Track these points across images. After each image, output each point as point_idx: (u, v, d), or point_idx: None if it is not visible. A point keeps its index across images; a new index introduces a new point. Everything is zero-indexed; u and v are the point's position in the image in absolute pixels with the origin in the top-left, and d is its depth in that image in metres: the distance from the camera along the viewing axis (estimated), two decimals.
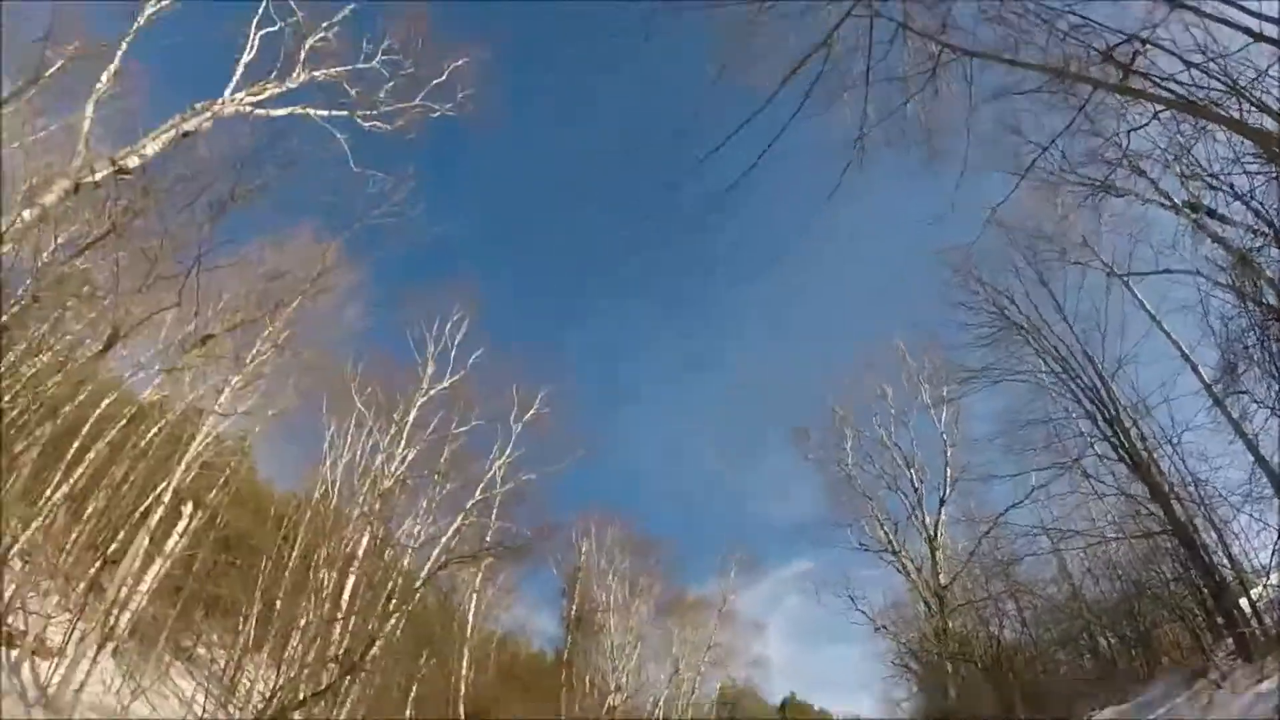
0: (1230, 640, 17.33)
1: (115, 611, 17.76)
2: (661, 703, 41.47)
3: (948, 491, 30.64)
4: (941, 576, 29.13)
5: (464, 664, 29.89)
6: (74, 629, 17.35)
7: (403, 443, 26.23)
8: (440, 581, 28.22)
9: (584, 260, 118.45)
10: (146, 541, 18.57)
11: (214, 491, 23.04)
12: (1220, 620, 18.44)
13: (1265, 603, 16.94)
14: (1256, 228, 14.00)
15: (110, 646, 17.76)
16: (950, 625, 28.54)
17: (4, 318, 16.07)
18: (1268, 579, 17.48)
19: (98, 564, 20.36)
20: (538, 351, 58.41)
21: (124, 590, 18.12)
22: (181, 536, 19.81)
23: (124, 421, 21.37)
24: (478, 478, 28.25)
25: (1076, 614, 27.80)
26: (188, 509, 19.60)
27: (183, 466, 19.61)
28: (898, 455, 32.43)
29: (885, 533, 31.74)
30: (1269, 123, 10.49)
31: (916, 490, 31.38)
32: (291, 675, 19.17)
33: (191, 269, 17.58)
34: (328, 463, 26.61)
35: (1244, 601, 17.19)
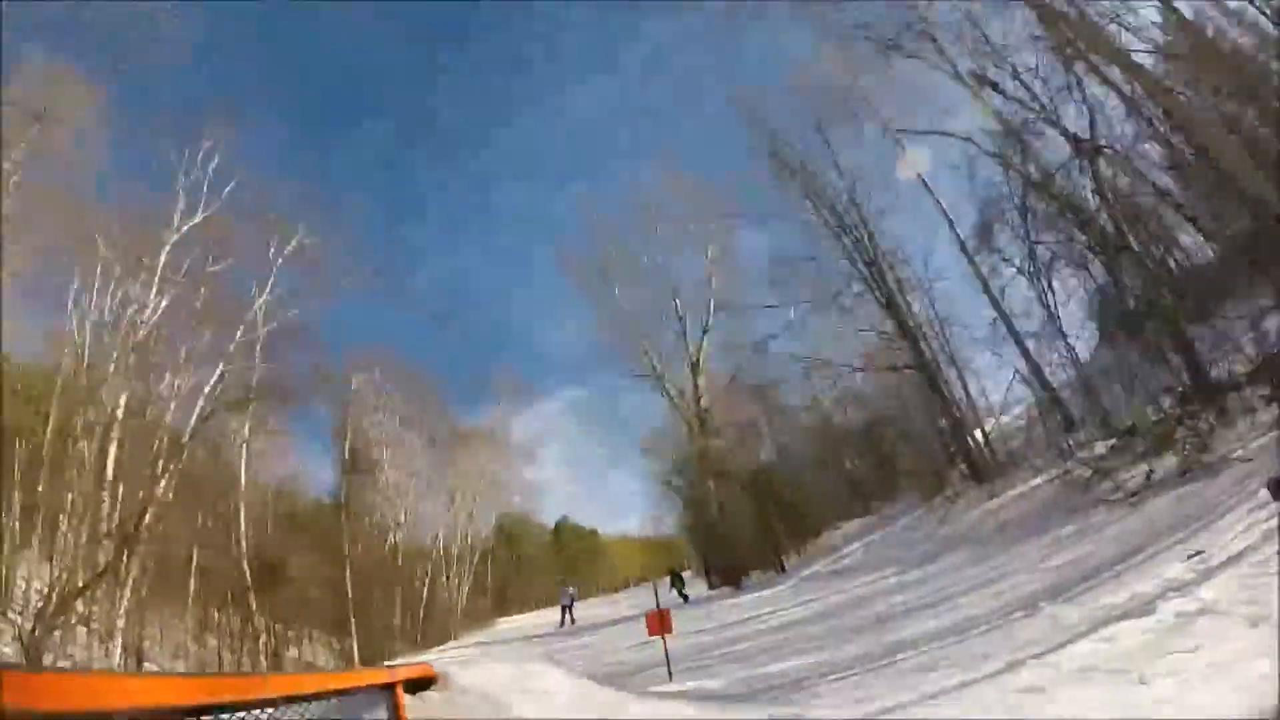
0: (964, 466, 19.27)
1: None
2: (441, 536, 42.13)
3: (710, 320, 32.03)
4: (703, 400, 31.02)
5: (242, 522, 28.65)
6: None
7: (154, 288, 23.74)
8: (209, 435, 26.12)
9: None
10: None
11: None
12: (955, 449, 20.57)
13: (995, 435, 19.05)
14: (1030, 106, 15.46)
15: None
16: (712, 446, 30.53)
17: None
18: (999, 415, 19.67)
19: None
20: (303, 180, 54.07)
21: None
22: None
23: None
24: (239, 319, 26.31)
25: (827, 439, 30.58)
26: None
27: None
28: (665, 285, 33.19)
29: (651, 359, 32.72)
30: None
31: (682, 319, 32.55)
32: (66, 563, 18.84)
33: None
34: (75, 322, 23.88)
35: (977, 433, 19.43)
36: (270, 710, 2.73)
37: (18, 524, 21.37)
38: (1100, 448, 12.21)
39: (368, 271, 40.94)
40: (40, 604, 17.59)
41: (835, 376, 27.95)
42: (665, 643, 8.02)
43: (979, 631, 5.45)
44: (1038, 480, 13.98)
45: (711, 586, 30.15)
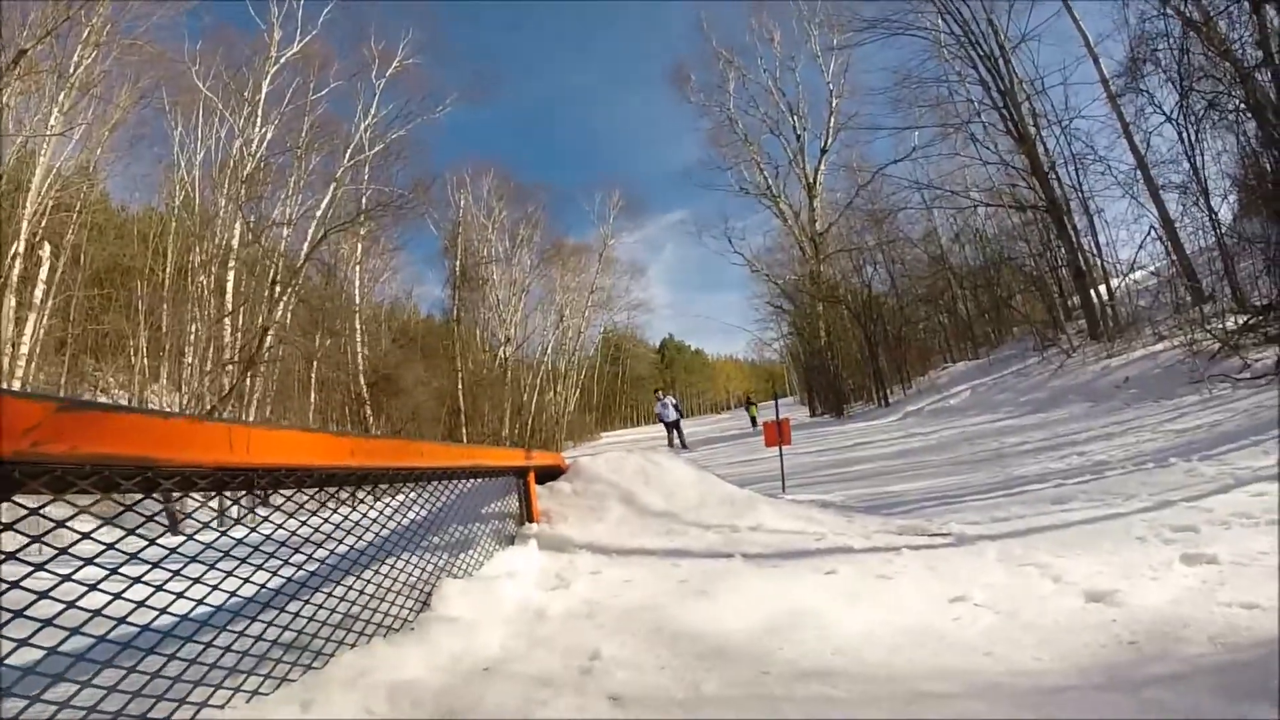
0: (1083, 320, 18.67)
1: (3, 383, 16.62)
2: (549, 350, 43.70)
3: (830, 140, 31.68)
4: (818, 224, 31.05)
5: (358, 339, 30.34)
6: None
7: (259, 121, 24.39)
8: (323, 258, 27.12)
9: None
10: (14, 302, 17.79)
11: (71, 230, 21.73)
12: (1076, 300, 19.83)
13: (1120, 291, 17.87)
14: None
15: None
16: (824, 271, 30.77)
17: None
18: (1129, 272, 18.20)
19: None
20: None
21: (5, 361, 17.42)
22: (47, 285, 19.19)
23: None
24: (346, 144, 27.13)
25: (941, 274, 29.70)
26: (45, 253, 18.79)
27: (28, 211, 18.16)
28: (782, 101, 32.66)
29: (765, 178, 33.09)
30: None
31: (799, 137, 32.29)
32: (194, 389, 20.10)
33: None
34: (182, 164, 24.83)
35: (1101, 288, 18.43)
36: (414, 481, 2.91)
37: (145, 360, 22.88)
38: (1231, 322, 11.50)
39: (472, 88, 41.16)
40: None
41: (956, 210, 27.45)
42: (782, 454, 8.12)
43: (1113, 475, 5.31)
44: (1160, 346, 13.28)
45: (813, 414, 30.46)
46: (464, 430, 31.90)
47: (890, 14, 23.23)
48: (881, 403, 25.55)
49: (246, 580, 1.86)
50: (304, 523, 2.19)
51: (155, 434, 1.40)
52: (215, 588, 1.75)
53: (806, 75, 33.12)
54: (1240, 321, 11.22)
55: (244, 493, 1.89)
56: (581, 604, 2.82)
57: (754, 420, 29.13)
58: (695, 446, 20.63)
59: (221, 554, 1.78)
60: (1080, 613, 2.29)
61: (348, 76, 27.49)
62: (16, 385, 17.07)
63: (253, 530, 1.99)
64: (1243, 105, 13.09)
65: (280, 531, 2.09)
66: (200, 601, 1.69)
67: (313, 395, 27.51)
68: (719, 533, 3.71)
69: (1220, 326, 11.39)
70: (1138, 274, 17.99)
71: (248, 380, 21.30)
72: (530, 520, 3.95)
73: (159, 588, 1.57)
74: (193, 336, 21.33)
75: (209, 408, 18.83)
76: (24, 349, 17.88)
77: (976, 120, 22.36)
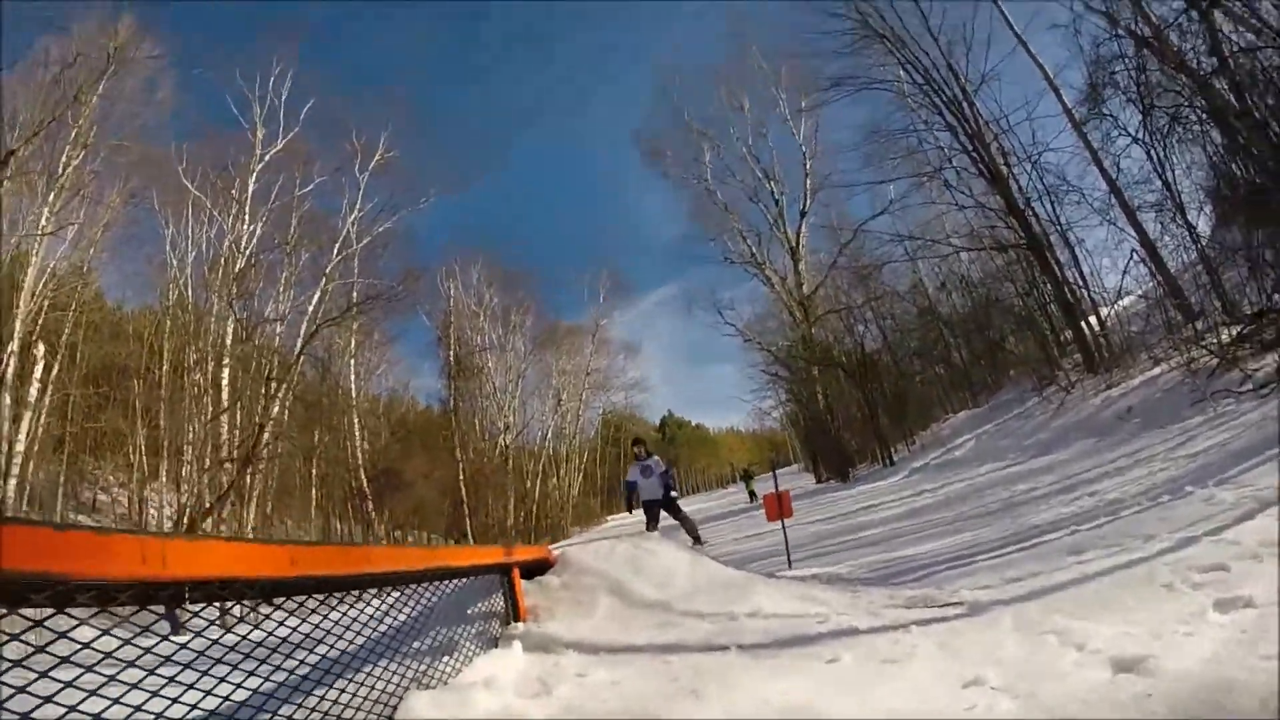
0: (1078, 354, 18.51)
1: (1, 484, 17.36)
2: (550, 435, 43.33)
3: (808, 202, 31.79)
4: (805, 286, 31.00)
5: (356, 433, 30.51)
6: None
7: (246, 219, 24.92)
8: (316, 353, 27.27)
9: None
10: (8, 400, 17.98)
11: (66, 329, 22.11)
12: (1068, 335, 19.83)
13: (1111, 319, 17.80)
14: None
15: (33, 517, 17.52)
16: (815, 333, 30.80)
17: None
18: (1116, 299, 18.11)
19: None
20: (380, 88, 54.89)
21: (1, 460, 17.60)
22: (42, 384, 19.28)
23: None
24: (334, 239, 27.53)
25: (932, 325, 29.96)
26: (39, 352, 19.00)
27: (22, 310, 18.50)
28: (757, 168, 32.96)
29: (749, 246, 32.99)
30: None
31: (778, 202, 32.48)
32: (192, 487, 20.11)
33: None
34: (174, 262, 25.40)
35: (1092, 318, 18.37)
36: (373, 591, 2.76)
37: (144, 458, 23.17)
38: (1225, 334, 11.35)
39: (452, 178, 41.99)
40: (171, 528, 18.61)
41: (940, 257, 27.52)
42: (785, 527, 7.89)
43: (1128, 513, 5.06)
44: (1157, 370, 13.13)
45: (819, 480, 30.09)
46: (468, 522, 31.60)
47: (853, 71, 23.70)
48: (886, 462, 25.14)
49: (208, 694, 1.81)
50: (269, 634, 2.14)
51: (51, 547, 1.33)
52: (175, 700, 1.69)
53: (779, 140, 33.04)
54: (1234, 333, 11.06)
55: (176, 606, 1.77)
56: (563, 711, 2.62)
57: (753, 494, 28.72)
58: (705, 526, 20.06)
59: (181, 666, 1.75)
60: (1109, 687, 2.06)
61: (331, 171, 28.18)
62: (13, 484, 17.58)
63: (214, 643, 1.98)
64: (1205, 114, 13.15)
65: (244, 643, 2.06)
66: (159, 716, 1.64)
67: (314, 491, 27.81)
68: (714, 622, 3.45)
69: (1214, 341, 11.29)
70: (1126, 300, 17.93)
71: (247, 478, 21.13)
72: (516, 619, 3.72)
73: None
74: (190, 434, 21.52)
75: (208, 506, 18.71)
76: (19, 446, 17.94)
77: (949, 166, 22.59)
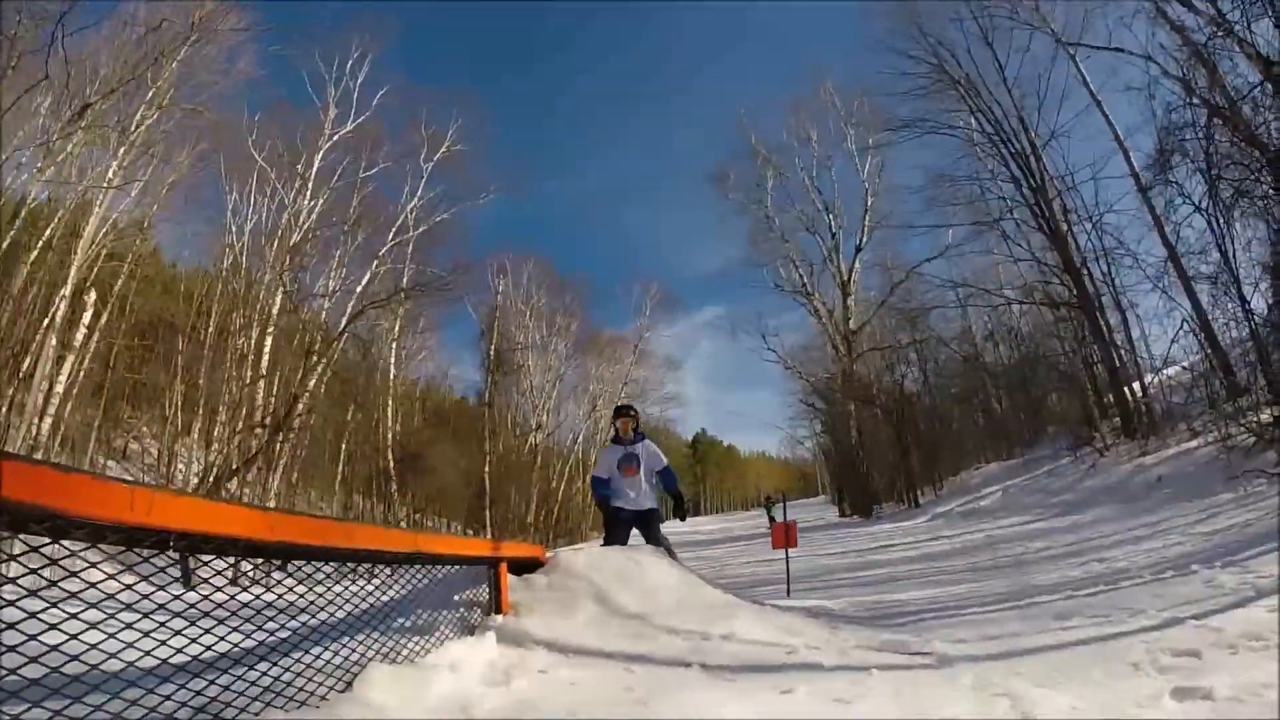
0: (1117, 418, 18.28)
1: (36, 421, 17.67)
2: (580, 438, 42.91)
3: (865, 239, 31.66)
4: (851, 322, 30.87)
5: (389, 414, 30.43)
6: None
7: (308, 194, 25.04)
8: (360, 332, 27.44)
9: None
10: (54, 342, 18.16)
11: (120, 280, 22.49)
12: (1110, 398, 19.47)
13: (1154, 388, 17.44)
14: (1218, 21, 13.67)
15: (37, 457, 17.66)
16: (856, 369, 30.52)
17: None
18: (1163, 367, 17.76)
19: (16, 381, 18.90)
20: (452, 86, 55.09)
21: (40, 398, 17.94)
22: (89, 330, 19.52)
23: (13, 228, 19.29)
24: (390, 223, 27.56)
25: (975, 373, 29.54)
26: (90, 299, 19.25)
27: (79, 257, 18.75)
28: (818, 199, 32.80)
29: (800, 275, 32.84)
30: None
31: (834, 235, 32.29)
32: (221, 447, 20.47)
33: (54, 34, 16.15)
34: (233, 228, 25.75)
35: (1136, 384, 18.04)
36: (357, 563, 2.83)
37: (179, 413, 23.43)
38: (1267, 415, 11.10)
39: (513, 181, 42.43)
40: (197, 484, 18.83)
41: (990, 308, 27.20)
42: (788, 557, 7.90)
43: (1128, 585, 5.00)
44: (1194, 443, 12.91)
45: (842, 514, 29.89)
46: (487, 513, 31.60)
47: (924, 114, 23.64)
48: (912, 504, 25.03)
49: (193, 641, 2.00)
50: (256, 597, 2.30)
51: (52, 484, 1.50)
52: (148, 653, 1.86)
53: (842, 174, 32.87)
54: (1276, 414, 10.82)
55: (157, 551, 1.91)
56: (514, 704, 2.67)
57: (772, 520, 28.57)
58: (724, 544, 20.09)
59: (171, 614, 1.94)
60: None
61: (397, 158, 28.15)
62: (48, 422, 17.85)
63: (210, 599, 2.10)
64: (1272, 190, 12.83)
65: (232, 603, 2.22)
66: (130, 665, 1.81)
67: (340, 467, 28.11)
68: (687, 639, 3.48)
69: (1255, 420, 11.01)
70: (1171, 369, 17.54)
71: (276, 445, 21.37)
72: (498, 611, 3.81)
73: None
74: (226, 396, 21.85)
75: (234, 468, 19.06)
76: (59, 388, 18.24)
77: (1009, 217, 22.29)
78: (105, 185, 19.16)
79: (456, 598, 3.82)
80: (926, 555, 10.67)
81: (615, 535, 6.75)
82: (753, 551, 15.47)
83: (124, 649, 1.79)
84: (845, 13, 61.25)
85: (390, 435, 30.27)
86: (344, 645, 2.67)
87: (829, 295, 32.54)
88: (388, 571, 3.29)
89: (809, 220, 32.92)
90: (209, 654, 2.04)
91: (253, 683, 2.19)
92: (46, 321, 18.45)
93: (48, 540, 1.61)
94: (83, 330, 19.05)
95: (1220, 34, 13.67)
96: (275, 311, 23.32)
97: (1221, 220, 14.24)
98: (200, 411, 23.48)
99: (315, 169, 25.37)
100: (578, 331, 41.80)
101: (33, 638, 1.57)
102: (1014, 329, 28.89)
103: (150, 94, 19.60)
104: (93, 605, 1.73)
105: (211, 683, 2.05)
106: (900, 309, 29.02)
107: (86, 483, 1.59)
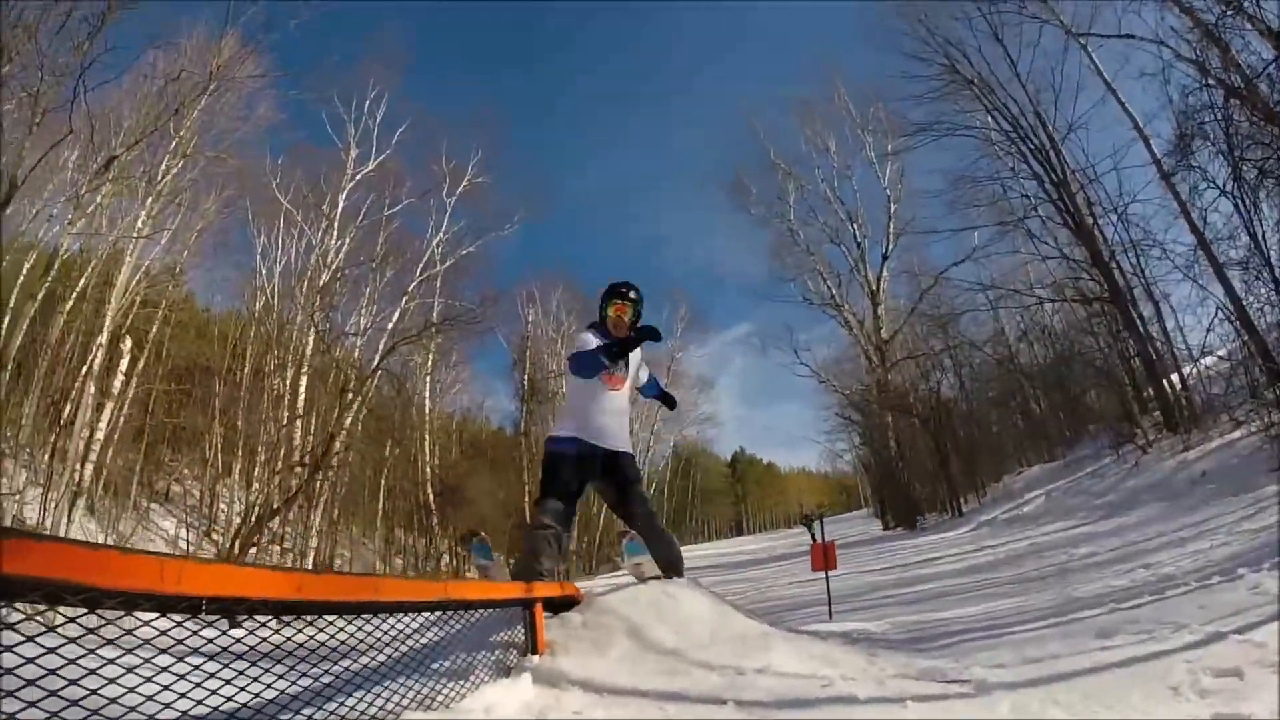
0: (1158, 412, 18.06)
1: (79, 468, 18.29)
2: None
3: (890, 246, 31.48)
4: (883, 331, 30.66)
5: (426, 449, 31.06)
6: (45, 499, 17.72)
7: (335, 234, 26.00)
8: (393, 368, 27.61)
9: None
10: (93, 390, 19.00)
11: (155, 326, 23.34)
12: (1149, 392, 19.30)
13: (1193, 379, 17.43)
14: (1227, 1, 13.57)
15: (82, 504, 18.44)
16: (891, 379, 30.27)
17: None
18: (1200, 357, 17.63)
19: (57, 428, 19.96)
20: (469, 112, 55.30)
21: (81, 444, 18.52)
22: (127, 376, 20.21)
23: (47, 279, 20.41)
24: (417, 259, 28.32)
25: (1010, 375, 29.32)
26: (126, 346, 19.76)
27: (114, 306, 19.51)
28: (840, 209, 32.71)
29: (829, 287, 32.71)
30: None
31: (859, 245, 32.23)
32: (262, 487, 20.80)
33: (76, 90, 16.69)
34: (262, 271, 26.55)
35: (1174, 376, 17.90)
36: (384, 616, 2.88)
37: (219, 455, 24.04)
38: None
39: (536, 204, 42.88)
40: (240, 524, 19.05)
41: (1021, 308, 26.87)
42: (828, 579, 7.86)
43: (1173, 594, 4.91)
44: (1237, 433, 12.72)
45: (885, 527, 29.61)
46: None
47: (939, 116, 23.63)
48: (955, 513, 24.75)
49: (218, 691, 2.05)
50: (288, 639, 2.41)
51: (85, 562, 1.59)
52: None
53: (863, 182, 32.82)
54: None
55: (193, 615, 1.97)
56: None
57: (814, 538, 28.26)
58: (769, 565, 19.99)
59: (205, 658, 2.05)
60: None
61: (419, 194, 28.95)
62: (89, 469, 18.47)
63: (241, 640, 2.23)
64: None
65: (265, 645, 2.29)
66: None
67: (381, 502, 28.64)
68: (722, 675, 3.45)
69: None
70: (1209, 359, 17.38)
71: (316, 483, 21.88)
72: (534, 652, 3.80)
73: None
74: (264, 436, 22.37)
75: (275, 507, 19.37)
76: (99, 434, 18.79)
77: (1033, 215, 22.06)
78: (135, 235, 20.01)
79: (493, 639, 3.84)
80: (971, 567, 10.59)
81: (559, 486, 4.64)
82: (795, 571, 15.33)
83: (160, 691, 1.86)
84: (846, 12, 60.68)
85: (428, 469, 30.75)
86: (380, 691, 2.73)
87: (858, 305, 32.43)
88: (420, 618, 3.32)
89: (833, 231, 32.87)
90: (253, 701, 2.12)
91: None
92: (85, 369, 19.42)
93: (85, 611, 1.66)
94: (120, 377, 19.64)
95: (1230, 12, 13.61)
96: (308, 351, 24.10)
97: (1248, 202, 14.02)
98: (239, 452, 23.91)
99: (340, 208, 26.44)
100: None
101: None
102: (1047, 327, 28.66)
103: (174, 143, 20.45)
104: (129, 651, 1.84)
105: None
106: (930, 315, 28.78)
107: (116, 558, 1.67)
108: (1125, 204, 19.22)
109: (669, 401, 5.72)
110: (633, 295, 4.93)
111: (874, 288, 31.42)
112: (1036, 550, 10.63)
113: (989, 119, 22.57)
